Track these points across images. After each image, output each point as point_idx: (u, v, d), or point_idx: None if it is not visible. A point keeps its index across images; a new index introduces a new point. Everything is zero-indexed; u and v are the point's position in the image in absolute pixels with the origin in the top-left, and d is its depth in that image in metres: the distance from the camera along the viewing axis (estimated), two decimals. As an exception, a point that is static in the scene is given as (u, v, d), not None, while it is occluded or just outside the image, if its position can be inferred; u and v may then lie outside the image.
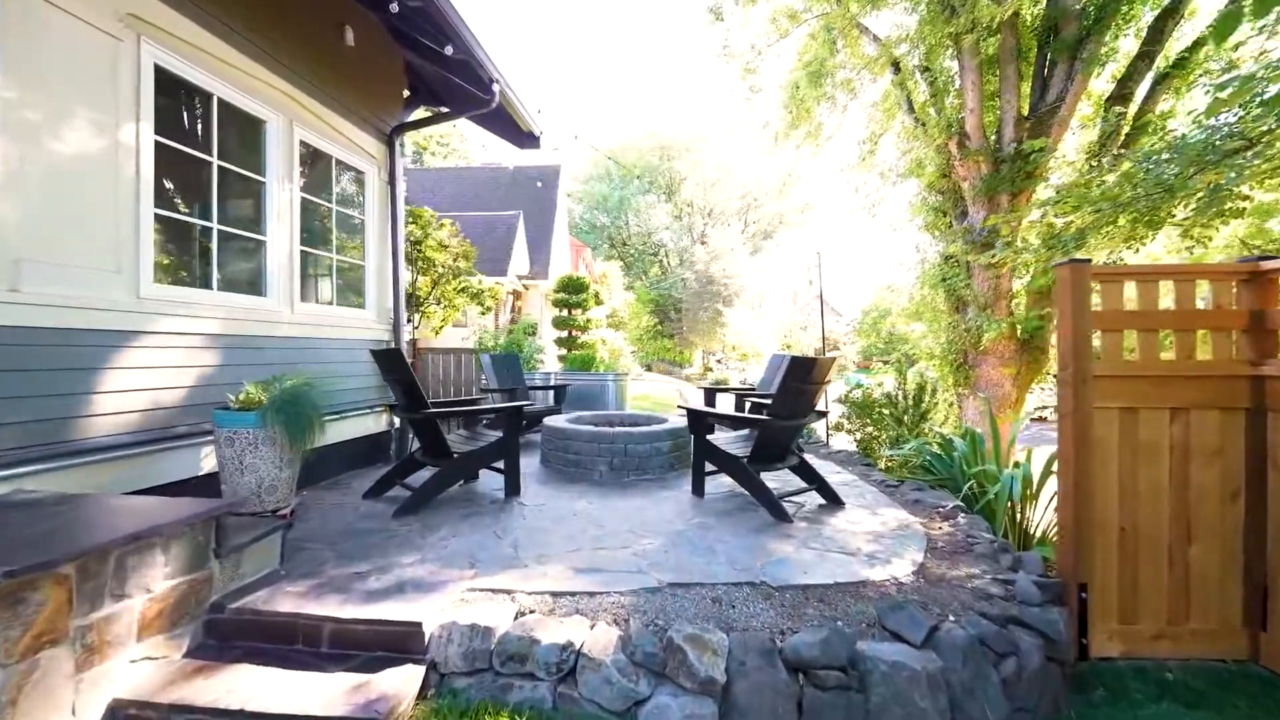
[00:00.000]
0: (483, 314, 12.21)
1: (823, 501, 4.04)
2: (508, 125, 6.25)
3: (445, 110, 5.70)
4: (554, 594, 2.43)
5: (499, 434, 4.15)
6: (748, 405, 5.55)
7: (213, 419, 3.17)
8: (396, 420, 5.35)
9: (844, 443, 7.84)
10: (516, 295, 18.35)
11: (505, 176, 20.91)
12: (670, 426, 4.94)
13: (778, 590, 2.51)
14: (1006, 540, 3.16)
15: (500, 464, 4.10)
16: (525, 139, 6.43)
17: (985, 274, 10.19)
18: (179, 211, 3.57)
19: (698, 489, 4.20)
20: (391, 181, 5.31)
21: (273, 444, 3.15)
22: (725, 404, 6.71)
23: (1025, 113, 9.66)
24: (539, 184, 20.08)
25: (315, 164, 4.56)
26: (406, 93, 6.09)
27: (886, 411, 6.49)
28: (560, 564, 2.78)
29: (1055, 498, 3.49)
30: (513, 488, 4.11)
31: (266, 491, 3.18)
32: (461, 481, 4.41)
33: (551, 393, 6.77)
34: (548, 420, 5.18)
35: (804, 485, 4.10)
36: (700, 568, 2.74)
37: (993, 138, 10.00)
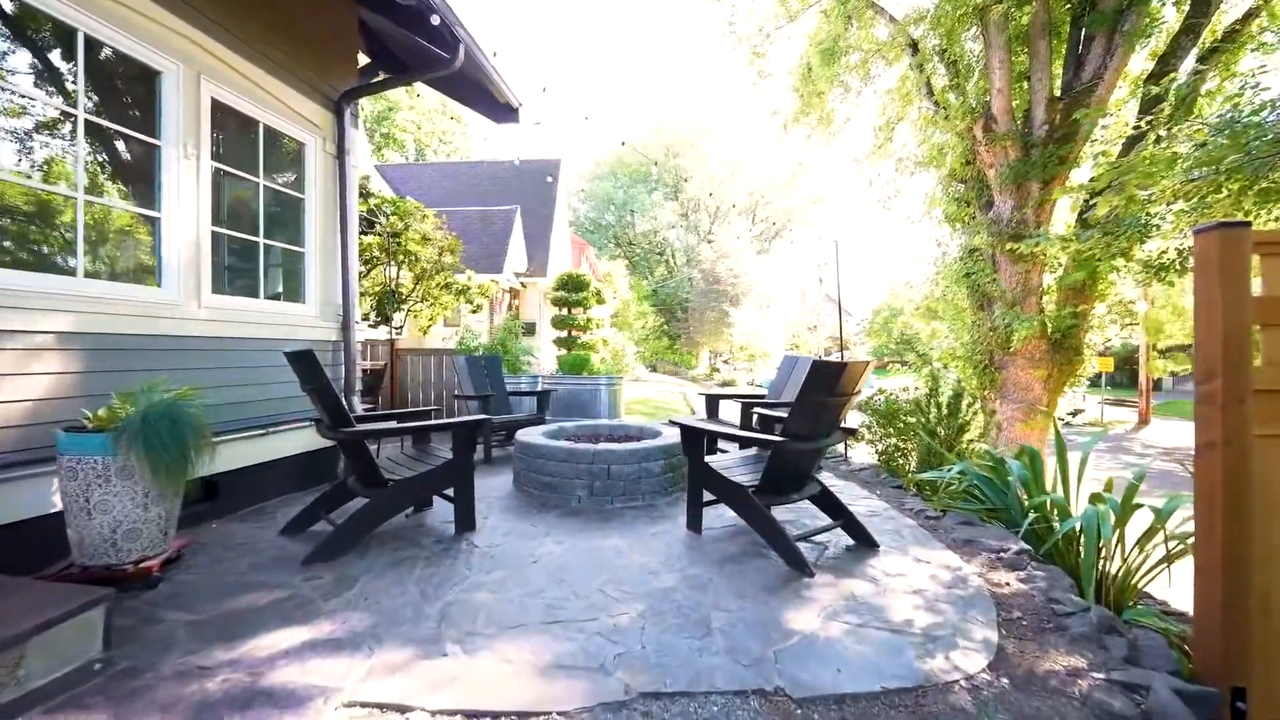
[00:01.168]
0: (474, 312, 11.48)
1: (850, 541, 3.23)
2: (481, 95, 5.49)
3: (404, 74, 4.94)
4: (469, 715, 1.65)
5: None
6: (755, 416, 4.75)
7: (55, 443, 2.42)
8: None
9: (864, 455, 7.02)
10: (514, 294, 17.62)
11: (505, 171, 20.18)
12: (663, 442, 4.15)
13: (800, 706, 1.71)
14: (1104, 609, 2.35)
15: (458, 491, 3.33)
16: (502, 112, 5.66)
17: (1014, 268, 9.33)
18: (26, 176, 2.83)
19: (694, 523, 3.41)
20: (340, 155, 4.56)
21: (130, 476, 2.40)
22: (730, 412, 5.92)
23: (1057, 93, 8.81)
24: (549, 178, 19.31)
25: (235, 130, 3.81)
26: (365, 60, 5.35)
27: (915, 421, 5.66)
28: (494, 651, 2.00)
29: (1145, 543, 2.68)
30: (464, 522, 3.34)
31: (125, 538, 2.42)
32: (410, 510, 3.65)
33: (535, 400, 6.01)
34: (520, 434, 4.41)
35: (826, 520, 3.30)
36: (689, 660, 1.95)
37: (1020, 122, 9.13)
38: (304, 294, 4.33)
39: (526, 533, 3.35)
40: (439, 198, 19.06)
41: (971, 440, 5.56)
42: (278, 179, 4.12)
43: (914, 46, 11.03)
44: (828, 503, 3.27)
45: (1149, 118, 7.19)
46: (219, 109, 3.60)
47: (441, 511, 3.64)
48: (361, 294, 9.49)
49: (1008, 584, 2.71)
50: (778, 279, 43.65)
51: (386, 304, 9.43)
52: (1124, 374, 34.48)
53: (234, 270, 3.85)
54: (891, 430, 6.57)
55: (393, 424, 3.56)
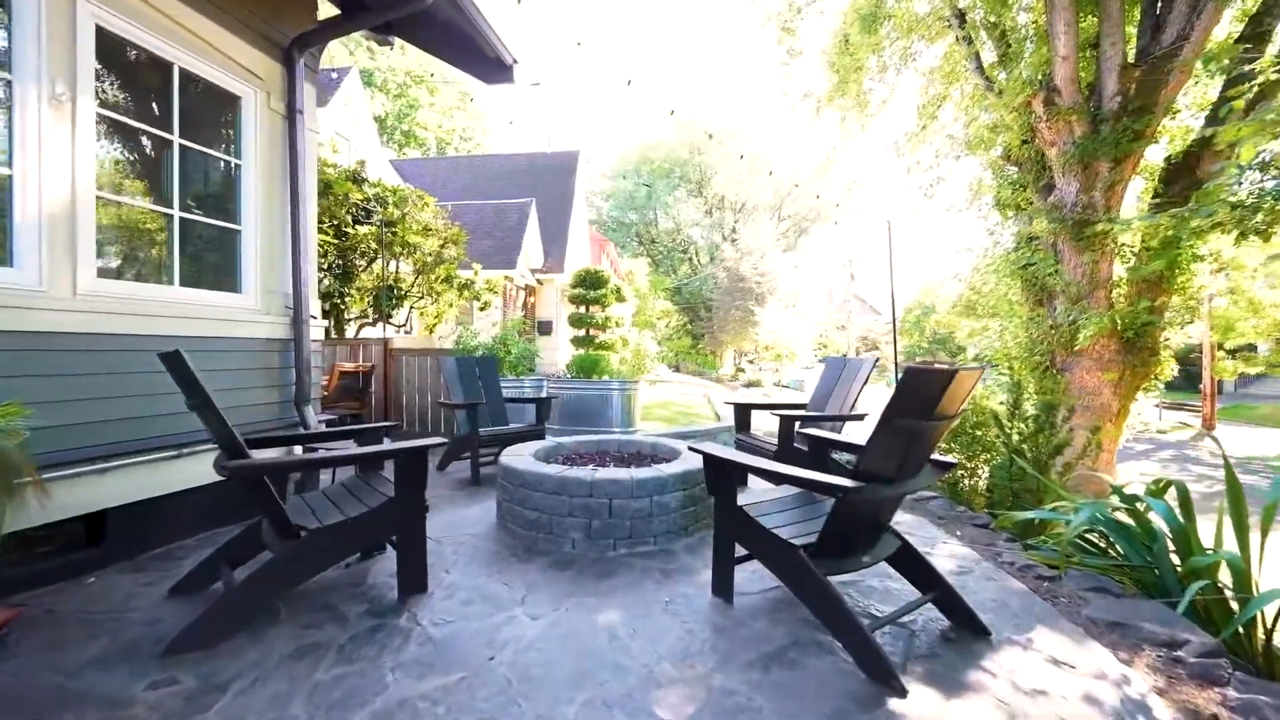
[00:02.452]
0: (482, 309, 10.73)
1: (943, 620, 2.28)
2: (470, 51, 4.65)
3: (365, 12, 4.10)
4: None
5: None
6: (796, 431, 3.81)
7: None
8: (299, 449, 3.80)
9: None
10: (530, 291, 16.88)
11: (521, 164, 19.47)
12: (680, 468, 3.24)
13: None
14: None
15: (402, 542, 2.48)
16: (494, 70, 4.81)
17: (1079, 258, 8.16)
18: None
19: (722, 587, 2.50)
20: (291, 114, 3.76)
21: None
22: (762, 424, 5.00)
23: (1131, 60, 7.62)
24: (566, 172, 18.50)
25: (138, 73, 3.03)
26: (337, 11, 4.57)
27: (994, 438, 4.64)
28: None
29: None
30: (412, 582, 2.48)
31: (-126, 630, 1.62)
32: (355, 557, 2.82)
33: (535, 409, 5.15)
34: (506, 455, 3.55)
35: (903, 583, 2.35)
36: None
37: (1085, 94, 7.96)
38: (240, 281, 3.54)
39: (495, 598, 2.48)
40: (455, 192, 18.45)
41: (1068, 463, 4.51)
42: (201, 138, 3.33)
43: (961, 17, 9.91)
44: (912, 566, 2.32)
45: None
46: (110, 44, 2.81)
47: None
48: (358, 289, 8.80)
49: (1214, 716, 1.73)
50: (804, 277, 42.31)
51: (384, 300, 8.71)
52: (1178, 375, 32.20)
53: (134, 250, 3.07)
54: (955, 445, 5.55)
55: (318, 452, 2.72)
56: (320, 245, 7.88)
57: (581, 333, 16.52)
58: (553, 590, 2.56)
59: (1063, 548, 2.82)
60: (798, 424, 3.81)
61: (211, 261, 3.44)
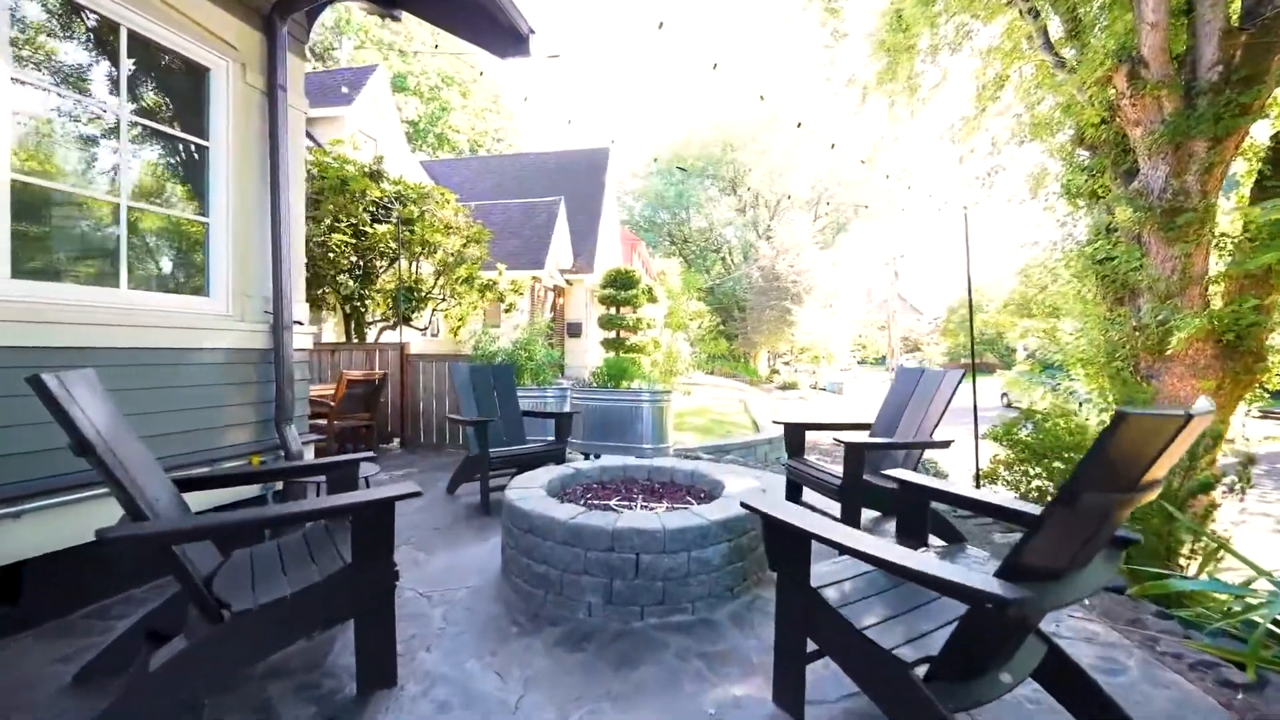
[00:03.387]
0: (507, 311, 10.26)
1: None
2: (482, 21, 4.09)
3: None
4: None
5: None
6: (885, 473, 3.10)
7: None
8: (279, 484, 3.30)
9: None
10: (559, 292, 16.41)
11: (551, 162, 19.04)
12: (725, 515, 2.57)
13: None
14: None
15: (360, 624, 1.90)
16: (509, 42, 4.24)
17: (1169, 251, 7.11)
18: None
19: (788, 695, 1.82)
20: (273, 90, 3.26)
21: None
22: (819, 454, 4.29)
23: (1235, 23, 6.57)
24: (597, 169, 17.95)
25: (75, 32, 2.55)
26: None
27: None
28: None
29: None
30: (375, 674, 1.90)
31: None
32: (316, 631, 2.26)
33: (554, 424, 4.56)
34: (510, 490, 2.94)
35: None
36: None
37: (1176, 66, 6.91)
38: (208, 283, 3.05)
39: (481, 700, 1.87)
40: (484, 191, 18.16)
41: (1211, 504, 3.65)
42: (159, 115, 2.84)
43: (1026, -18, 8.89)
44: (1067, 683, 1.61)
45: None
46: (37, -5, 2.34)
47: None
48: (379, 291, 8.43)
49: None
50: (842, 275, 40.87)
51: (402, 302, 8.31)
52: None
53: (66, 245, 2.59)
54: (1041, 471, 4.73)
55: (236, 514, 2.16)
56: (337, 245, 7.51)
57: (612, 334, 15.98)
58: (559, 686, 1.94)
59: (1254, 643, 2.04)
60: (870, 451, 3.09)
61: (171, 260, 2.96)
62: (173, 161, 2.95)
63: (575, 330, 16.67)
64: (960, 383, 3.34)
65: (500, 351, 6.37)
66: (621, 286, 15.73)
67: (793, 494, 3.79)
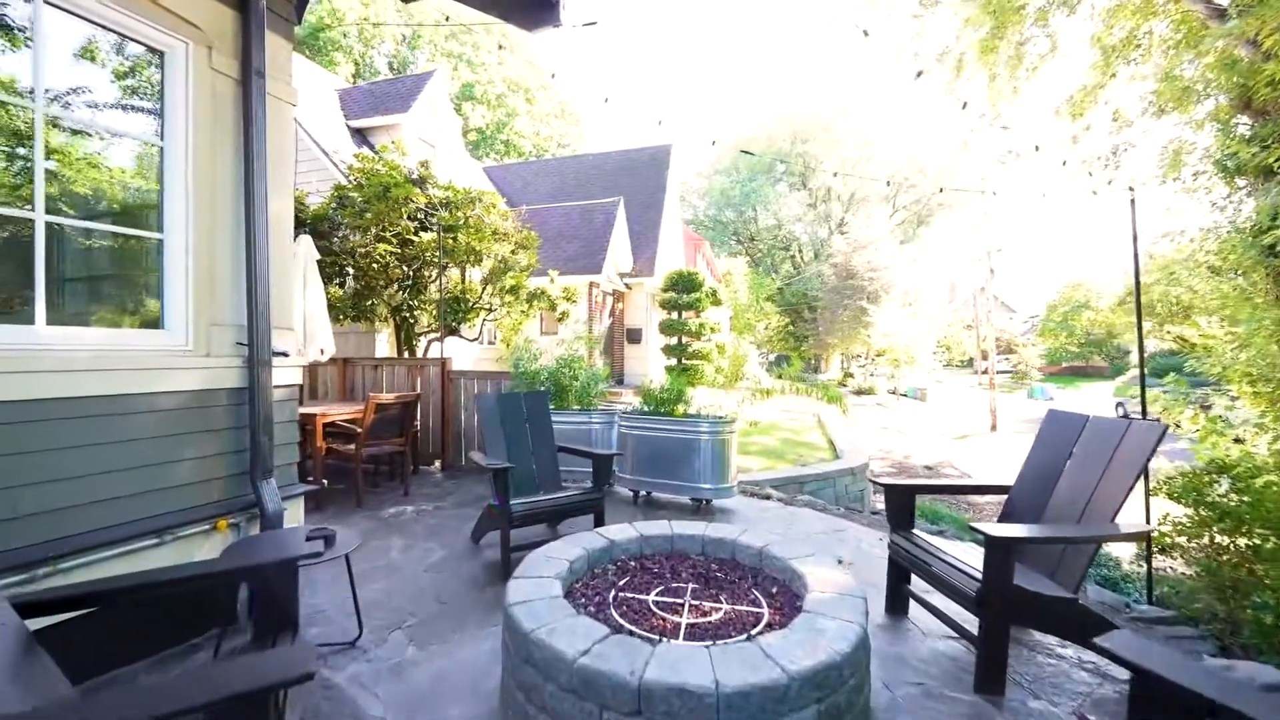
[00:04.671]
0: (560, 320, 9.69)
1: None
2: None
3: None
4: None
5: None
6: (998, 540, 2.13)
7: None
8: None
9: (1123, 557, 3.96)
10: (618, 296, 15.79)
11: (611, 162, 18.47)
12: (814, 663, 1.70)
13: None
14: None
15: None
16: (535, 9, 3.55)
17: None
18: None
19: None
20: (247, 79, 2.71)
21: None
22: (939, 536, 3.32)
23: None
24: (658, 167, 17.17)
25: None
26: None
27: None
28: None
29: None
30: None
31: None
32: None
33: (592, 466, 3.81)
34: (511, 590, 2.19)
35: None
36: None
37: None
38: (165, 312, 2.52)
39: None
40: (543, 195, 17.87)
41: None
42: (96, 108, 2.33)
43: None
44: None
45: None
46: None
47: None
48: (426, 302, 8.06)
49: None
50: (924, 272, 37.93)
51: (447, 313, 7.89)
52: None
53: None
54: (1246, 546, 3.49)
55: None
56: (380, 256, 7.17)
57: (673, 341, 15.15)
58: None
59: None
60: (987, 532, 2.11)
61: (114, 286, 2.45)
62: (116, 166, 2.44)
63: (635, 336, 16.00)
64: (1160, 440, 2.27)
65: (542, 371, 5.72)
66: (684, 289, 14.88)
67: (896, 582, 2.84)
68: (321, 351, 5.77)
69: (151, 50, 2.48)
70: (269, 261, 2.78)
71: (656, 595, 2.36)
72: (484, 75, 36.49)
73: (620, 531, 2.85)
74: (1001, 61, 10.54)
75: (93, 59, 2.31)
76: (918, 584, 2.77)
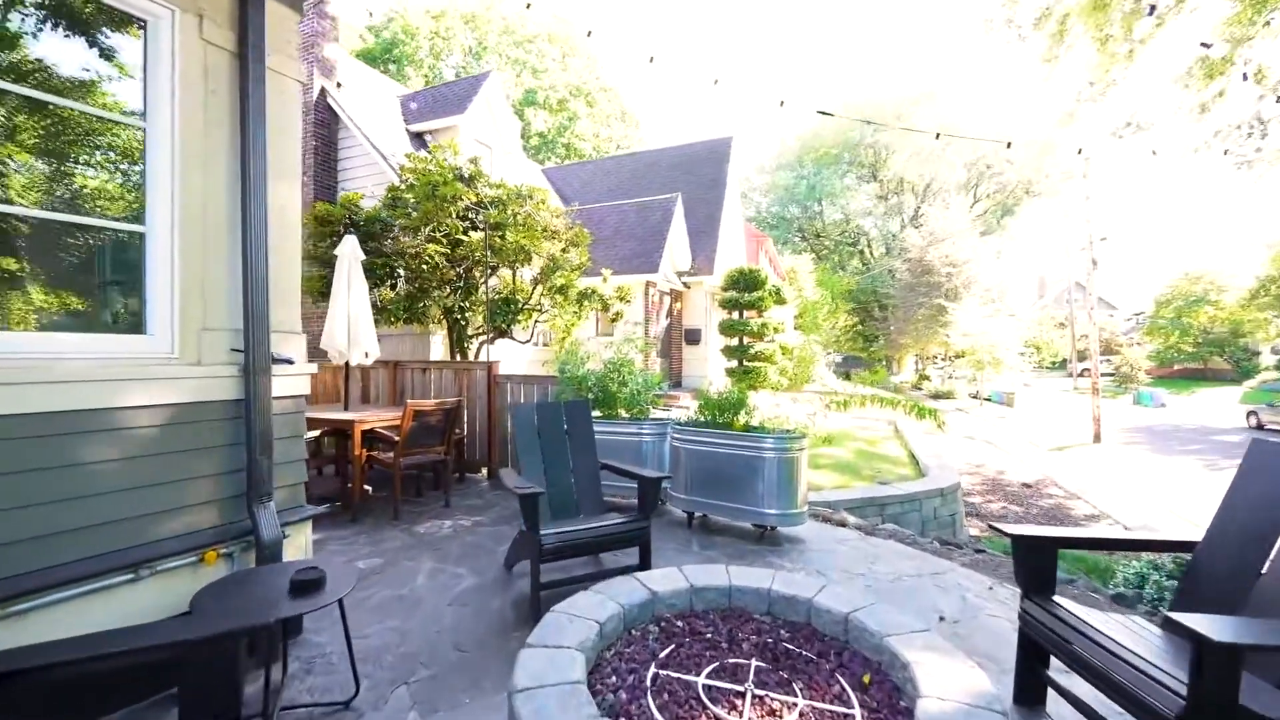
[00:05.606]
0: (612, 320, 9.28)
1: None
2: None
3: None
4: None
5: None
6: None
7: None
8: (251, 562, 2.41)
9: None
10: (675, 296, 15.24)
11: (669, 158, 17.92)
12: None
13: None
14: None
15: None
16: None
17: None
18: None
19: None
20: (244, 51, 2.39)
21: None
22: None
23: None
24: (718, 161, 16.46)
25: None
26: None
27: None
28: None
29: None
30: None
31: None
32: None
33: (638, 488, 3.31)
34: (515, 692, 1.71)
35: None
36: None
37: None
38: (146, 315, 2.23)
39: None
40: (600, 194, 17.59)
41: None
42: (61, 80, 2.06)
43: None
44: None
45: None
46: None
47: None
48: (478, 304, 7.85)
49: None
50: (1009, 266, 34.96)
51: (497, 314, 7.63)
52: None
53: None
54: None
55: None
56: (430, 256, 6.99)
57: (734, 342, 14.43)
58: None
59: None
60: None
61: (83, 286, 2.17)
62: (88, 148, 2.17)
63: (694, 337, 15.39)
64: None
65: (590, 375, 5.28)
66: (745, 288, 14.15)
67: (1029, 663, 2.15)
68: (366, 355, 5.60)
69: (133, 18, 2.19)
70: (269, 256, 2.46)
71: (709, 676, 1.81)
72: (546, 81, 36.95)
73: (665, 580, 2.32)
74: (1114, 21, 9.23)
75: (60, 26, 2.04)
76: (1064, 674, 2.07)
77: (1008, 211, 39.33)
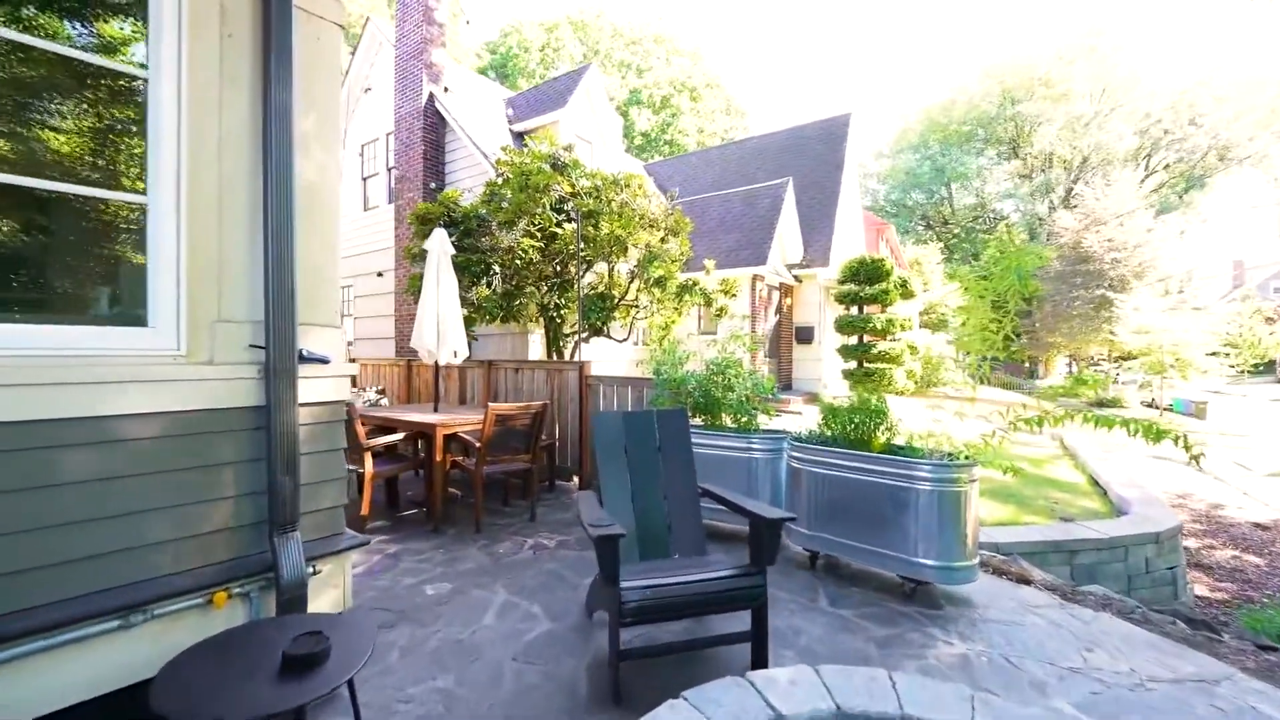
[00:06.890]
0: (717, 316, 8.48)
1: None
2: None
3: None
4: None
5: None
6: None
7: None
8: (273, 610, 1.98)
9: None
10: (785, 290, 14.02)
11: (779, 142, 16.61)
12: None
13: None
14: None
15: None
16: None
17: None
18: None
19: None
20: (268, 4, 1.97)
21: None
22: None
23: None
24: (835, 141, 14.99)
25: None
26: None
27: None
28: None
29: None
30: None
31: None
32: None
33: (750, 531, 2.53)
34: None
35: None
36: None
37: None
38: (149, 304, 1.85)
39: None
40: (704, 185, 16.77)
41: None
42: (40, 21, 1.71)
43: None
44: None
45: None
46: None
47: None
48: (571, 301, 7.43)
49: None
50: (1196, 249, 29.06)
51: (591, 311, 7.15)
52: None
53: None
54: None
55: None
56: (524, 252, 6.65)
57: (853, 340, 12.96)
58: None
59: None
60: None
61: (69, 269, 1.82)
62: (76, 103, 1.82)
63: (806, 335, 14.09)
64: None
65: (690, 378, 4.56)
66: (867, 280, 12.66)
67: None
68: (455, 354, 5.33)
69: (129, -55, 1.83)
70: (295, 235, 2.01)
71: None
72: (649, 79, 36.77)
73: (795, 693, 1.53)
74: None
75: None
76: None
77: (1194, 183, 32.82)
